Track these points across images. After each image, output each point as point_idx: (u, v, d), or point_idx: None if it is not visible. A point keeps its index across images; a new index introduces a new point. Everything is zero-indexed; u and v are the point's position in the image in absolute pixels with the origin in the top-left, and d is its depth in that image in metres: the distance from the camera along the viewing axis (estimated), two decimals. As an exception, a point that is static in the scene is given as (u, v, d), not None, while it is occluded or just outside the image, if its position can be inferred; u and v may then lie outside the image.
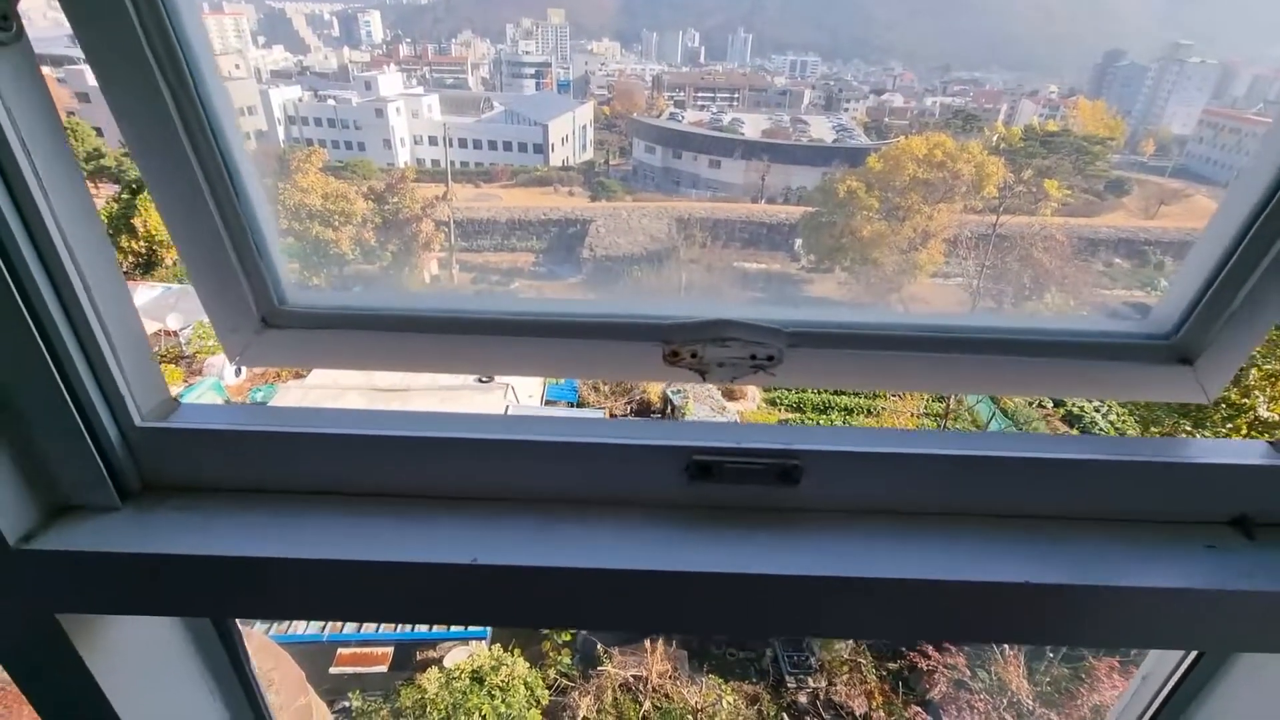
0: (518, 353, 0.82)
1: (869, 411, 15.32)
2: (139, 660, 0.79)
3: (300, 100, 26.47)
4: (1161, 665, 0.99)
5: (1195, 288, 0.80)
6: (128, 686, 0.76)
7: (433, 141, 27.11)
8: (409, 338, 0.81)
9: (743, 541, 0.70)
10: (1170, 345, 0.82)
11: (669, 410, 15.62)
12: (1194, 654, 0.94)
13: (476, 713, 9.04)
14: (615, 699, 9.97)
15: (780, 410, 15.62)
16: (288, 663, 7.81)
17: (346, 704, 9.26)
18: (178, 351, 14.67)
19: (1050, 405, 15.22)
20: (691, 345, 0.82)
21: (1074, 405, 15.08)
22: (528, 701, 9.22)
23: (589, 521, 0.72)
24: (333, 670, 9.54)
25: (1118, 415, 14.90)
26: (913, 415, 14.85)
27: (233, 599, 0.71)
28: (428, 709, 8.85)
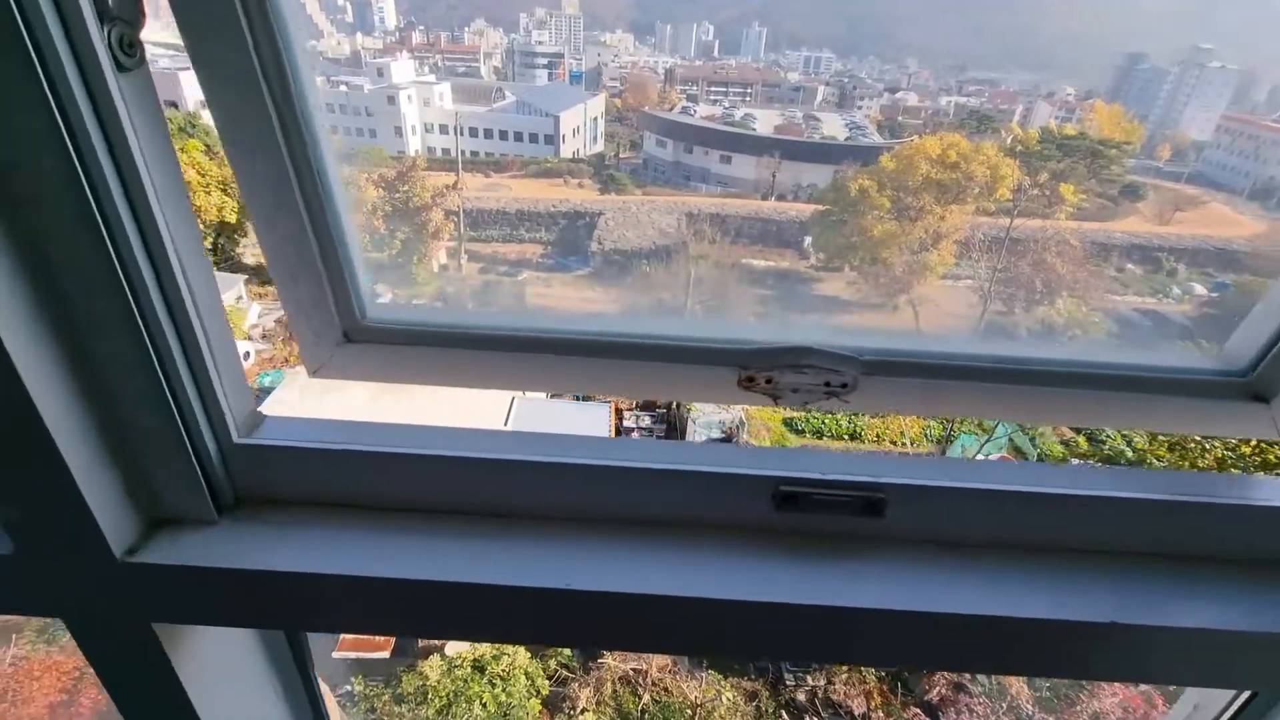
0: (594, 373, 0.83)
1: (875, 411, 15.32)
2: (222, 668, 0.80)
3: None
4: (1214, 696, 1.00)
5: (1274, 326, 0.80)
6: (211, 693, 0.78)
7: (443, 130, 27.02)
8: (487, 356, 0.82)
9: (827, 572, 0.71)
10: (1245, 382, 0.83)
11: (673, 405, 15.64)
12: (1250, 686, 0.95)
13: (477, 701, 9.13)
14: (615, 691, 10.04)
15: (786, 409, 15.62)
16: (295, 647, 7.86)
17: (349, 688, 9.36)
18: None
19: (1058, 410, 15.11)
20: (768, 371, 0.83)
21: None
22: (528, 691, 9.31)
23: (678, 547, 0.73)
24: (335, 655, 9.62)
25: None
26: (917, 417, 14.85)
27: (322, 613, 0.73)
28: (429, 696, 8.94)
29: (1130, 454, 11.83)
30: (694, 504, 0.75)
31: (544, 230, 22.77)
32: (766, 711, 10.16)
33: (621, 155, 29.85)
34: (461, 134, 26.73)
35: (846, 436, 15.44)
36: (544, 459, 0.73)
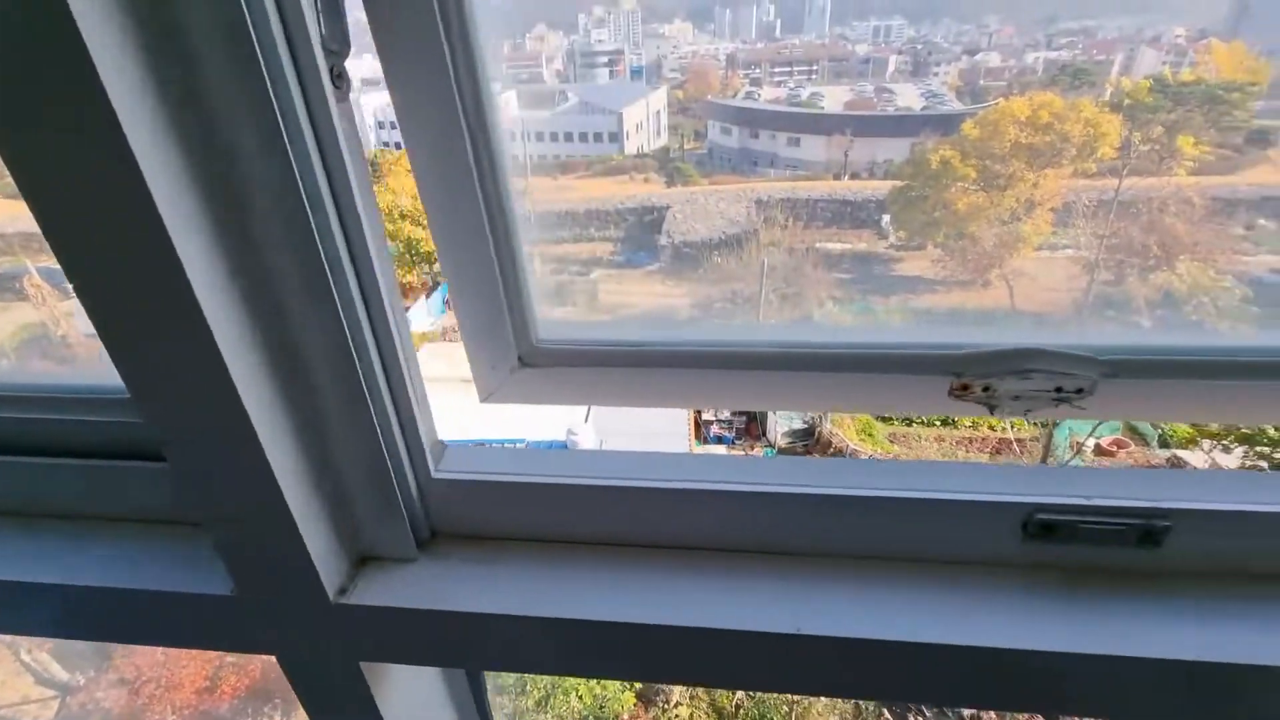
0: (787, 388, 0.76)
1: (1116, 418, 14.38)
2: (416, 702, 0.80)
3: (389, 106, 27.55)
4: None
5: None
6: (408, 726, 0.77)
7: (512, 137, 27.55)
8: (669, 374, 0.77)
9: (1090, 614, 0.61)
10: None
11: (754, 397, 15.34)
12: None
13: (574, 693, 9.31)
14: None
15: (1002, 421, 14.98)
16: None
17: (453, 679, 9.74)
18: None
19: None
20: (985, 378, 0.73)
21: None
22: (622, 685, 9.40)
23: (913, 586, 0.65)
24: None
25: None
26: (1172, 423, 13.82)
27: (516, 655, 0.70)
28: (527, 687, 9.18)
29: (1274, 431, 10.59)
30: (929, 536, 0.66)
31: (613, 228, 22.82)
32: (865, 709, 9.85)
33: (686, 146, 29.42)
34: (528, 139, 27.21)
35: (938, 423, 14.70)
36: (748, 488, 0.68)
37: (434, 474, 0.69)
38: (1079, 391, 0.72)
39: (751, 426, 15.69)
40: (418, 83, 0.58)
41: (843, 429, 14.65)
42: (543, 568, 0.70)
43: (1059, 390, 0.72)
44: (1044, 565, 0.66)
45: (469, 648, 0.69)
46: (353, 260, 0.59)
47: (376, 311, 0.62)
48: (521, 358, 0.79)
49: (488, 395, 0.82)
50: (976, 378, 0.73)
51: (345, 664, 0.70)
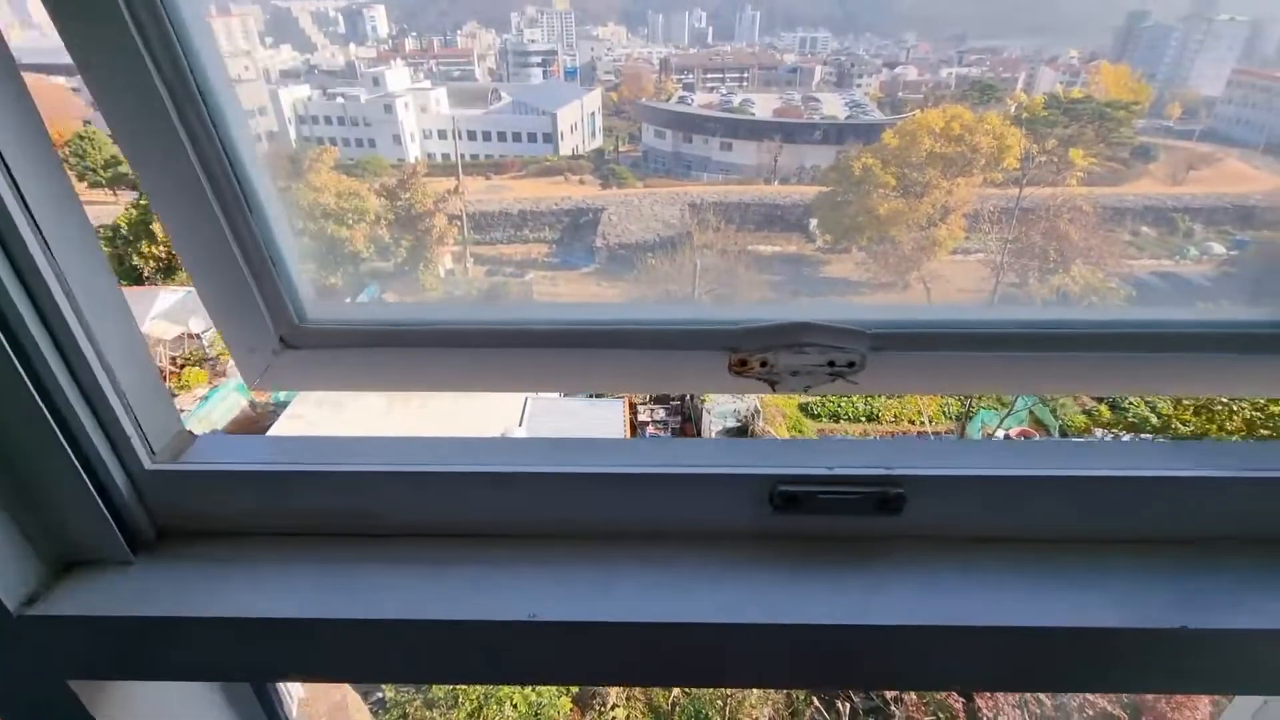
0: (569, 367, 0.73)
1: (889, 392, 15.05)
2: (164, 721, 0.72)
3: (310, 99, 26.44)
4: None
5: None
6: (154, 751, 0.69)
7: (442, 135, 26.97)
8: (447, 354, 0.73)
9: (839, 585, 0.60)
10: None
11: (687, 395, 15.50)
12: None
13: (508, 702, 9.11)
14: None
15: (795, 395, 15.44)
16: (321, 659, 7.89)
17: (380, 695, 9.38)
18: (201, 354, 14.84)
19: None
20: (762, 353, 0.72)
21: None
22: (558, 690, 9.29)
23: (659, 564, 0.63)
24: (365, 663, 9.59)
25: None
26: (938, 395, 14.59)
27: (259, 663, 0.63)
28: (460, 699, 8.94)
29: (1155, 420, 11.53)
30: (677, 512, 0.64)
31: (548, 229, 22.71)
32: (798, 700, 10.07)
33: (621, 149, 29.68)
34: (460, 138, 26.68)
35: (864, 419, 15.26)
36: (502, 469, 0.64)
37: (149, 467, 0.62)
38: (850, 365, 0.72)
39: (687, 427, 15.85)
40: (106, 64, 0.52)
41: (775, 428, 15.01)
42: (289, 564, 0.64)
43: (832, 364, 0.72)
44: (793, 536, 0.65)
45: (189, 659, 0.61)
46: (6, 253, 0.51)
47: (52, 313, 0.54)
48: (284, 339, 0.73)
49: (254, 380, 0.75)
50: (754, 353, 0.72)
51: (50, 684, 0.61)
